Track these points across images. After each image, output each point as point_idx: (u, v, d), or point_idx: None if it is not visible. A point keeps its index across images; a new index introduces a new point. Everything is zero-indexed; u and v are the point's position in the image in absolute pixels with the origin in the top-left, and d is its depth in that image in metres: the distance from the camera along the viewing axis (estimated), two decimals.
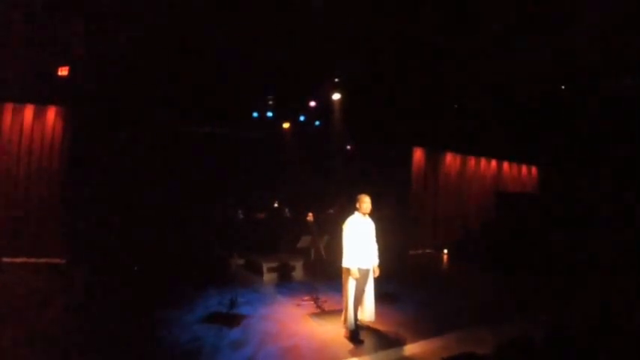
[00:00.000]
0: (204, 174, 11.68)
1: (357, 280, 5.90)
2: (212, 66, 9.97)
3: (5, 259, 9.38)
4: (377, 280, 6.33)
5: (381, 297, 6.95)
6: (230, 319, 6.44)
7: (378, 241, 6.31)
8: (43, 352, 5.00)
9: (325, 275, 9.59)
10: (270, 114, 12.90)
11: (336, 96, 12.42)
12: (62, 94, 10.00)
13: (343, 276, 6.06)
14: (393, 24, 8.76)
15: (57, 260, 9.84)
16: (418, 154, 14.87)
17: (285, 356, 5.27)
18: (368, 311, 6.23)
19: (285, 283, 9.38)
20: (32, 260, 9.71)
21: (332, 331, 6.17)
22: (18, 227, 9.82)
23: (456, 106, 13.41)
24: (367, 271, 6.07)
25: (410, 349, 5.74)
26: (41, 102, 10.21)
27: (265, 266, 9.97)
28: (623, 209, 12.29)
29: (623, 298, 8.31)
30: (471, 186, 16.46)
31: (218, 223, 11.97)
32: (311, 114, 13.43)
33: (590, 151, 14.26)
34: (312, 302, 7.68)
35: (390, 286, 8.26)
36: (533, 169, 18.71)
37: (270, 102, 12.68)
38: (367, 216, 6.16)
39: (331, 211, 13.03)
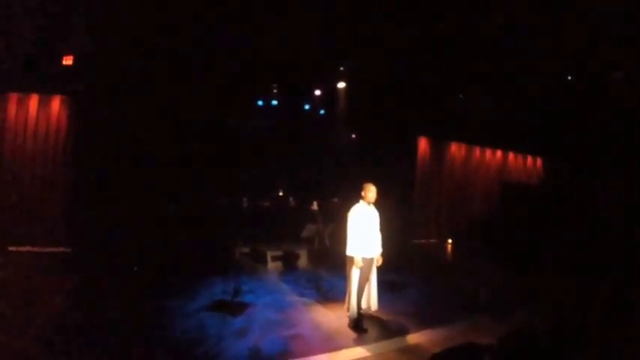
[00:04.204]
0: (209, 162, 11.67)
1: (361, 269, 5.90)
2: (217, 54, 9.94)
3: (10, 248, 9.44)
4: (380, 269, 6.33)
5: (384, 286, 6.95)
6: (234, 308, 6.46)
7: (381, 230, 6.29)
8: (46, 339, 5.04)
9: (329, 264, 9.64)
10: (274, 102, 12.87)
11: (341, 85, 12.38)
12: (67, 83, 9.99)
13: (347, 265, 6.05)
14: (399, 12, 8.70)
15: (62, 249, 9.89)
16: (423, 144, 14.80)
17: (288, 345, 5.28)
18: (372, 300, 6.24)
19: (289, 272, 9.38)
20: (37, 249, 9.75)
21: (335, 320, 6.19)
22: (23, 216, 9.86)
23: (461, 95, 13.33)
24: (371, 260, 6.06)
25: (413, 338, 5.75)
26: (46, 91, 10.20)
27: (269, 255, 9.99)
28: (628, 204, 12.20)
29: (626, 293, 8.27)
30: (476, 176, 16.38)
31: (222, 211, 11.98)
32: (316, 103, 13.38)
33: (596, 144, 14.16)
34: (316, 291, 7.70)
35: (394, 275, 8.26)
36: (539, 160, 18.60)
37: (275, 90, 12.65)
38: (372, 205, 6.15)
39: (335, 199, 13.03)
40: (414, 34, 9.45)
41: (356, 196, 6.18)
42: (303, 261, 10.22)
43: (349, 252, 5.95)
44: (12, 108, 9.96)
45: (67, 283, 7.52)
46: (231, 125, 12.63)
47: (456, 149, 15.80)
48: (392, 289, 7.75)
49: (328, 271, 9.20)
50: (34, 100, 10.14)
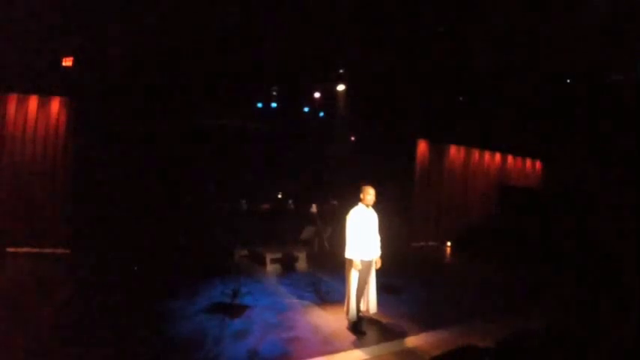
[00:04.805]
0: (208, 164, 11.67)
1: (359, 271, 5.89)
2: (216, 56, 9.94)
3: (9, 249, 9.43)
4: (380, 272, 6.33)
5: (383, 289, 6.95)
6: (233, 310, 6.45)
7: (380, 232, 6.29)
8: (44, 341, 5.03)
9: (328, 266, 9.63)
10: (274, 104, 12.87)
11: (341, 87, 12.39)
12: (66, 84, 9.99)
13: (346, 267, 6.04)
14: (399, 15, 8.71)
15: (60, 250, 9.89)
16: (422, 146, 14.81)
17: (287, 347, 5.27)
18: (370, 303, 6.23)
19: (288, 274, 9.38)
20: (36, 250, 9.74)
21: (334, 323, 6.19)
22: (22, 217, 9.85)
23: (460, 98, 13.34)
24: (370, 262, 6.06)
25: (412, 340, 5.74)
26: (45, 93, 10.20)
27: (268, 257, 9.98)
28: (627, 205, 12.21)
29: (624, 294, 8.28)
30: (475, 179, 16.40)
31: (222, 213, 11.98)
32: (315, 105, 13.39)
33: (594, 145, 14.17)
34: (315, 293, 7.70)
35: (393, 278, 8.26)
36: (538, 163, 18.63)
37: (275, 92, 12.65)
38: (371, 207, 6.15)
39: (334, 202, 13.03)
40: (413, 36, 9.47)
41: (355, 199, 6.18)
42: (302, 263, 10.21)
43: (348, 254, 5.95)
44: (11, 109, 9.96)
45: (65, 285, 7.52)
46: (230, 127, 12.64)
47: (455, 152, 15.82)
48: (391, 291, 7.75)
49: (327, 273, 9.19)
50: (33, 101, 10.14)
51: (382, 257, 6.25)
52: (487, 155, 16.80)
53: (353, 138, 14.53)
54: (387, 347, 5.48)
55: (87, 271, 8.62)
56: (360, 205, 6.09)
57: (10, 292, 6.83)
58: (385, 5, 8.37)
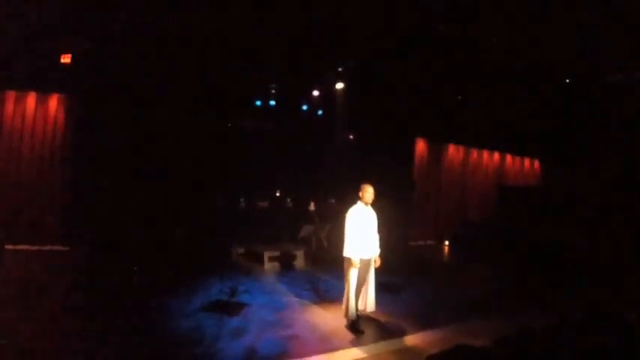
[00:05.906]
0: (207, 162, 11.65)
1: (358, 270, 5.89)
2: (214, 54, 9.93)
3: (8, 246, 9.39)
4: (378, 271, 6.33)
5: (381, 287, 6.94)
6: (230, 308, 6.45)
7: (379, 231, 6.28)
8: (42, 340, 5.01)
9: (326, 265, 9.63)
10: (272, 102, 12.85)
11: (340, 85, 12.37)
12: (65, 81, 9.97)
13: (344, 266, 6.04)
14: (399, 13, 8.71)
15: (58, 247, 9.87)
16: (421, 145, 14.81)
17: (285, 345, 5.27)
18: (369, 301, 6.23)
19: (286, 273, 9.38)
20: (34, 247, 9.73)
21: (332, 321, 6.18)
22: (20, 214, 9.83)
23: (459, 97, 13.34)
24: (368, 261, 6.06)
25: (410, 339, 5.74)
26: (43, 90, 10.19)
27: (266, 255, 9.97)
28: (625, 205, 12.21)
29: (623, 293, 8.29)
30: (474, 178, 16.42)
31: (220, 211, 11.96)
32: (314, 103, 13.37)
33: (593, 145, 14.18)
34: (313, 292, 7.69)
35: (391, 276, 8.26)
36: (536, 163, 18.65)
37: (273, 91, 12.63)
38: (369, 205, 6.14)
39: (333, 200, 13.01)
40: (413, 35, 9.46)
41: (353, 197, 6.17)
42: (300, 261, 10.21)
43: (346, 253, 5.94)
44: (9, 106, 9.95)
45: (63, 283, 7.50)
46: (229, 125, 12.62)
47: (453, 151, 15.83)
48: (389, 290, 7.74)
49: (325, 271, 9.19)
50: (31, 98, 10.14)
51: (381, 256, 6.25)
52: (486, 154, 16.82)
53: (351, 136, 14.51)
54: (384, 346, 5.48)
55: (85, 269, 8.59)
56: (359, 203, 6.09)
57: (8, 289, 6.81)
58: (385, 4, 8.36)
